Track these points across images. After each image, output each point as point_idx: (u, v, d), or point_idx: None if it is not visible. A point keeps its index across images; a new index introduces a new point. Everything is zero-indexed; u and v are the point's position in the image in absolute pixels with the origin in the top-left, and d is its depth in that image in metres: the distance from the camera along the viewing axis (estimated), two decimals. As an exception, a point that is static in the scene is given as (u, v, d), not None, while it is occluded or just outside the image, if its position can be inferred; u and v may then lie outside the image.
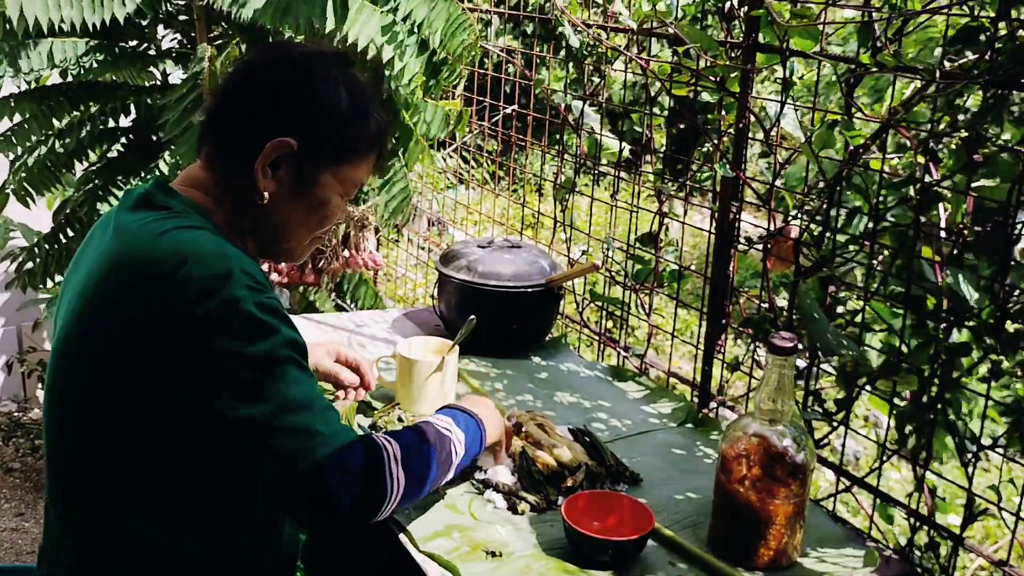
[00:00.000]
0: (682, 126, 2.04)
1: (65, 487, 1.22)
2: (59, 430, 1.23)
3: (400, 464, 1.19)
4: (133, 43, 2.56)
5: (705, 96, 1.96)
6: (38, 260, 2.60)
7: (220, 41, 2.30)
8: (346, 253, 2.52)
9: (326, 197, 1.28)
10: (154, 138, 2.63)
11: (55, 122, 2.48)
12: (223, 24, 2.51)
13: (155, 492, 1.17)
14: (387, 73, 2.28)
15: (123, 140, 2.58)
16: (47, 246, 2.59)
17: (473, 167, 3.45)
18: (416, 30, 2.25)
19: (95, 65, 2.40)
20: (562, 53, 2.26)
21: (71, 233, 2.59)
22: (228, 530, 1.23)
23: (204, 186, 1.26)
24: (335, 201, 1.29)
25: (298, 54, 1.28)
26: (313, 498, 1.12)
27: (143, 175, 2.49)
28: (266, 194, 1.24)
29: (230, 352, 1.10)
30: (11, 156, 2.53)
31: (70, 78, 2.56)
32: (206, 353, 1.10)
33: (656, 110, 2.13)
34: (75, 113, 2.49)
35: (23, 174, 2.53)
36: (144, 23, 2.49)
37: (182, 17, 2.57)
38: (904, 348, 1.51)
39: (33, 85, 2.55)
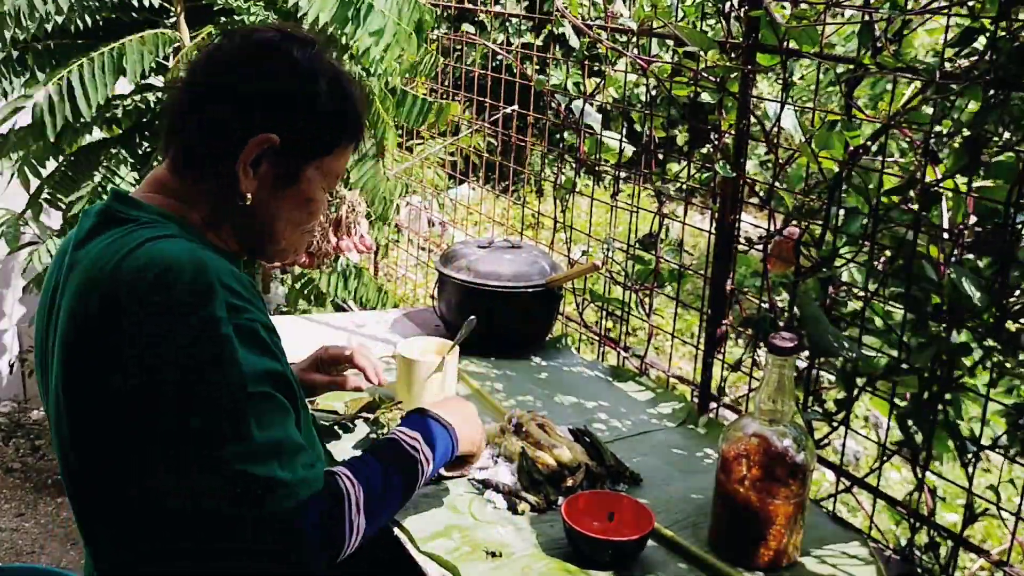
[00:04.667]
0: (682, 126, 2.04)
1: (81, 514, 1.17)
2: (72, 474, 1.15)
3: (363, 511, 1.15)
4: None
5: (705, 96, 1.96)
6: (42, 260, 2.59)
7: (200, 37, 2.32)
8: (334, 240, 2.50)
9: (312, 192, 1.21)
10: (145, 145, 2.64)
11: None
12: (206, 21, 2.52)
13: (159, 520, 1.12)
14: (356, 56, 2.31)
15: (119, 144, 2.58)
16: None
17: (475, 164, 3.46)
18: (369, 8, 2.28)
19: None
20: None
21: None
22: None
23: (174, 190, 1.18)
24: (320, 195, 1.23)
25: (270, 40, 1.18)
26: (271, 548, 1.07)
27: (139, 179, 2.49)
28: (248, 195, 1.16)
29: (204, 383, 1.03)
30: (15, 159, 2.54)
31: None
32: (180, 385, 1.03)
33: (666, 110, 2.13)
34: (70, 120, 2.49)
35: (48, 183, 2.56)
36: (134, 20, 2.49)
37: (170, 20, 2.57)
38: (904, 349, 1.51)
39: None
